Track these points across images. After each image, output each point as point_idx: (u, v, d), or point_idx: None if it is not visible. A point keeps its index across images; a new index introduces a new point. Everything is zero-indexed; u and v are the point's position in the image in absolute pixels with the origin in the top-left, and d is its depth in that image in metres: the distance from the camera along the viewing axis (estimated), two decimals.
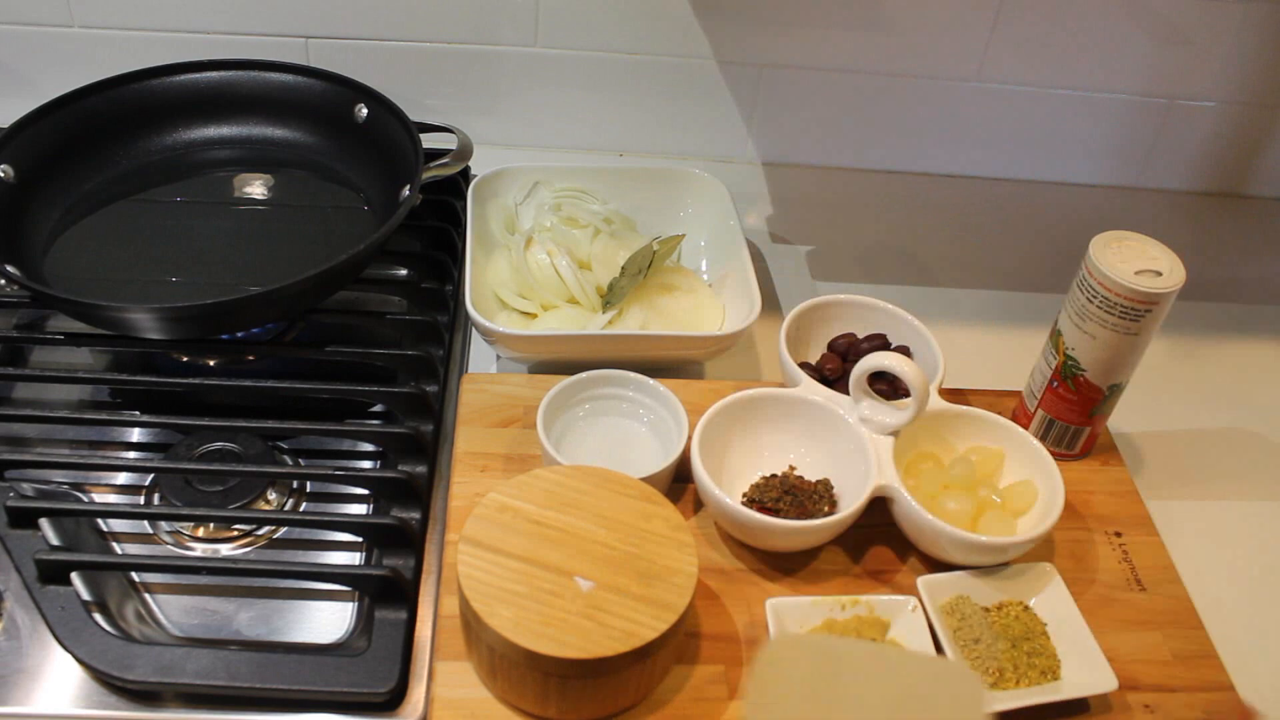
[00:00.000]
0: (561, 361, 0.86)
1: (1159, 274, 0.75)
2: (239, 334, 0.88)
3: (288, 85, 1.01)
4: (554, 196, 0.99)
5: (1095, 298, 0.77)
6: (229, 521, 0.76)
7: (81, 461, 0.80)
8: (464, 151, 0.98)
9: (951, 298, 1.05)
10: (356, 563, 0.76)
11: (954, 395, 0.88)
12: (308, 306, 0.87)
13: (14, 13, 1.05)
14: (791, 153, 1.19)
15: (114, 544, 0.76)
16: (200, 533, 0.76)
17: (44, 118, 0.92)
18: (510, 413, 0.83)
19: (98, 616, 0.68)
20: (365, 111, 0.98)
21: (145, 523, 0.77)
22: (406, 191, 0.89)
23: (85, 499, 0.78)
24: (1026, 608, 0.73)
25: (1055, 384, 0.81)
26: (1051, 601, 0.73)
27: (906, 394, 0.76)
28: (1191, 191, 1.23)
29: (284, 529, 0.77)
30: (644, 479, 0.71)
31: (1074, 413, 0.82)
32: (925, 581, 0.73)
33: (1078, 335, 0.79)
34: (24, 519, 0.73)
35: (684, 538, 0.67)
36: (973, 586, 0.73)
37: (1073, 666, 0.70)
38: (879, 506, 0.75)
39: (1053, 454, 0.77)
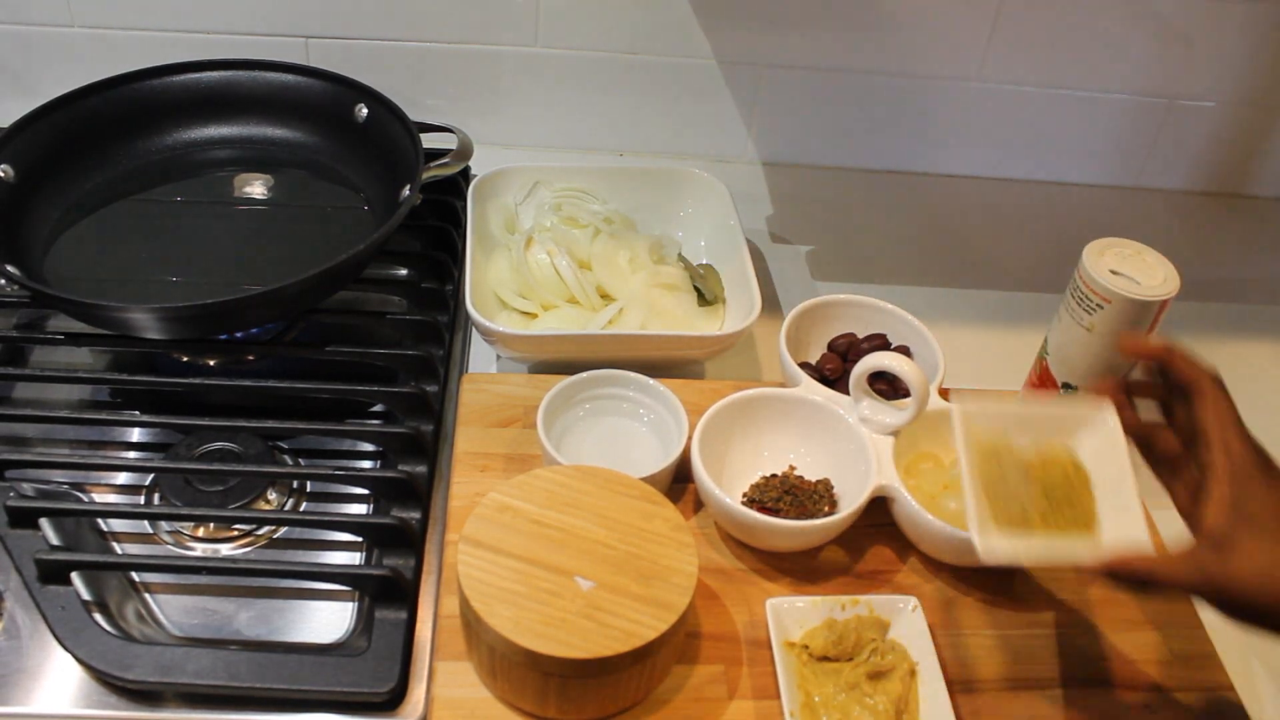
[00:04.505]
0: (561, 361, 0.86)
1: (1136, 282, 0.75)
2: (239, 334, 0.88)
3: (288, 85, 1.00)
4: (554, 196, 0.99)
5: (1070, 282, 0.79)
6: (229, 521, 0.76)
7: (81, 461, 0.80)
8: (464, 151, 0.98)
9: (951, 298, 1.05)
10: (356, 563, 0.76)
11: (954, 395, 0.88)
12: (308, 306, 0.87)
13: (14, 13, 1.05)
14: (791, 153, 1.19)
15: (114, 544, 0.76)
16: (200, 533, 0.76)
17: (44, 118, 0.92)
18: (510, 413, 0.83)
19: (98, 616, 0.68)
20: (365, 111, 0.98)
21: (145, 523, 0.77)
22: (406, 191, 0.89)
23: (85, 499, 0.78)
24: (1074, 456, 0.67)
25: (1036, 362, 0.83)
26: (1103, 452, 0.66)
27: (906, 394, 0.76)
28: (1191, 191, 1.23)
29: (284, 529, 0.77)
30: (644, 479, 0.71)
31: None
32: (967, 413, 0.67)
33: (1056, 317, 0.81)
34: (24, 519, 0.73)
35: (684, 538, 0.67)
36: (1018, 428, 0.67)
37: (1109, 527, 0.65)
38: (879, 506, 0.75)
39: None
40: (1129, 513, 0.64)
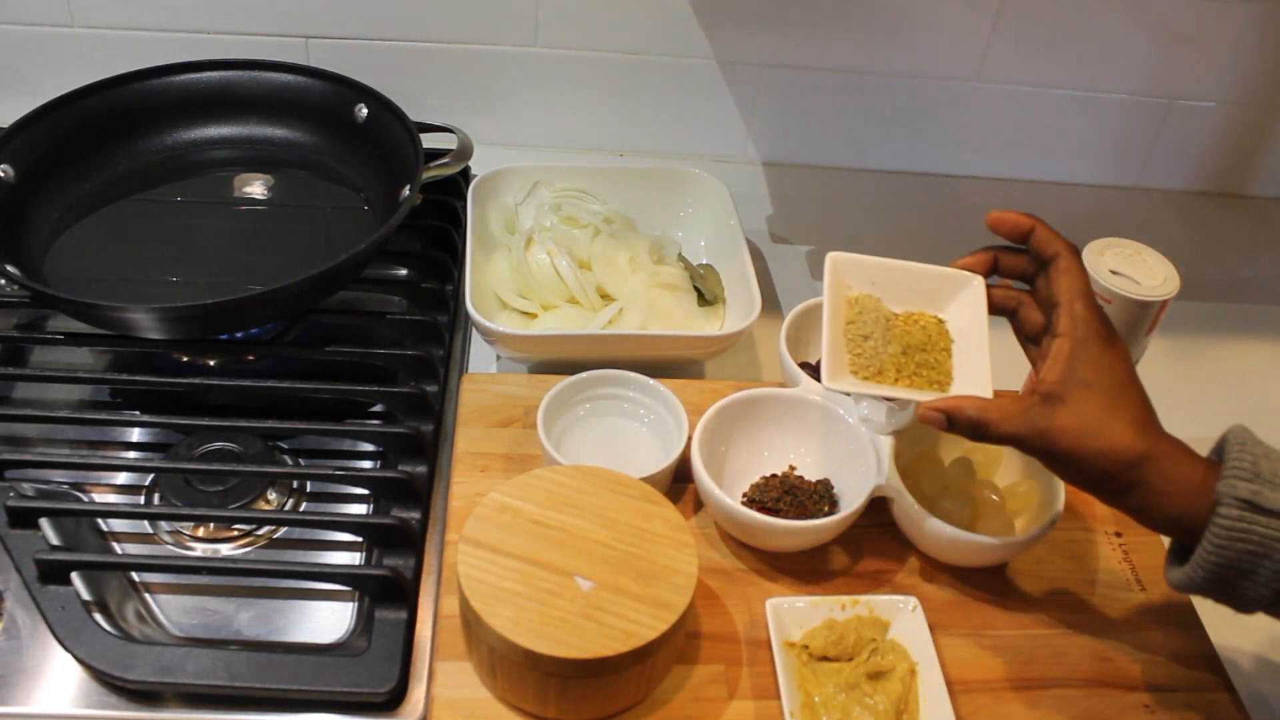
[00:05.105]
0: (561, 361, 0.86)
1: (1137, 282, 0.75)
2: (239, 334, 0.88)
3: (288, 85, 1.00)
4: (554, 196, 0.99)
5: None
6: (229, 521, 0.76)
7: (81, 461, 0.80)
8: (464, 151, 0.98)
9: None
10: (356, 563, 0.76)
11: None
12: (308, 306, 0.87)
13: (14, 13, 1.05)
14: (791, 153, 1.19)
15: (114, 544, 0.76)
16: (200, 533, 0.76)
17: (44, 118, 0.92)
18: (510, 413, 0.83)
19: (98, 616, 0.68)
20: (365, 111, 0.98)
21: (145, 523, 0.77)
22: (406, 191, 0.89)
23: (85, 499, 0.78)
24: (940, 322, 0.70)
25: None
26: (967, 319, 0.70)
27: None
28: (1191, 191, 1.23)
29: (284, 529, 0.77)
30: (644, 479, 0.71)
31: None
32: (837, 259, 0.69)
33: None
34: (24, 519, 0.73)
35: (684, 538, 0.67)
36: (889, 289, 0.70)
37: (960, 386, 0.68)
38: (879, 506, 0.75)
39: None
40: (979, 375, 0.67)
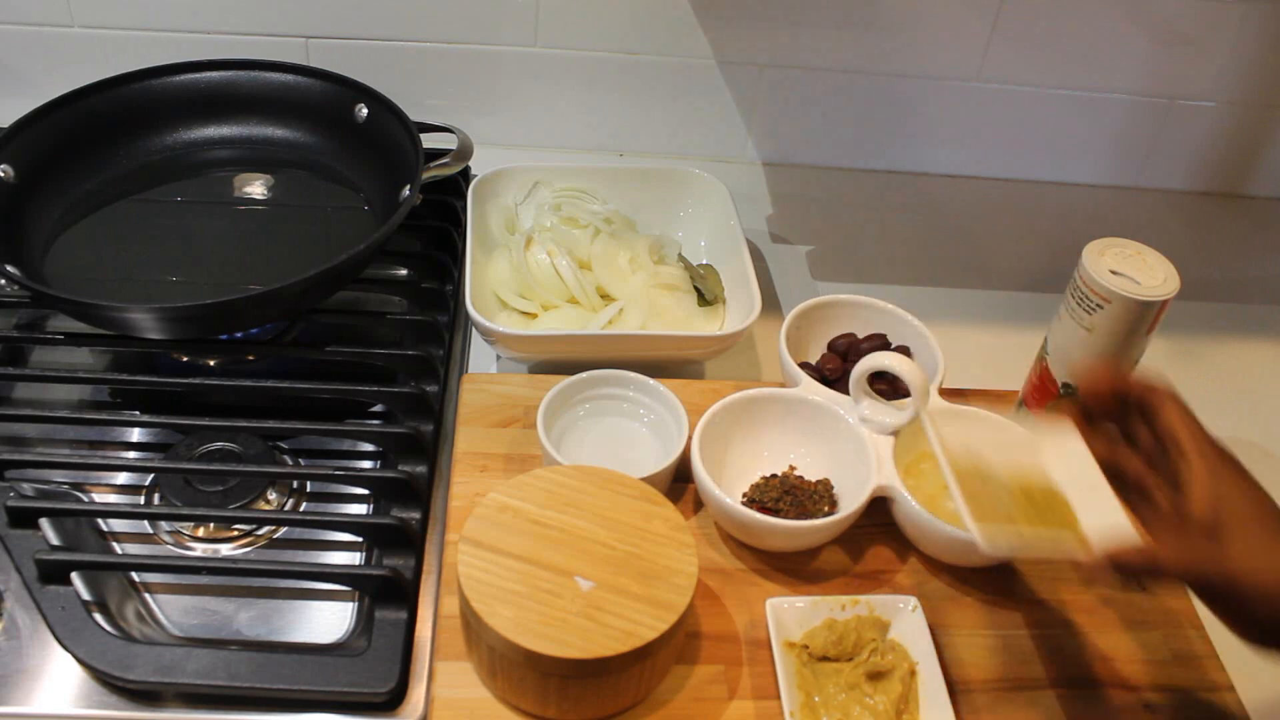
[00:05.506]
0: (561, 361, 0.86)
1: (1136, 282, 0.75)
2: (239, 334, 0.88)
3: (288, 85, 1.00)
4: (554, 196, 0.99)
5: (1070, 282, 0.78)
6: (229, 521, 0.76)
7: (81, 461, 0.80)
8: (464, 151, 0.98)
9: (951, 298, 1.05)
10: (356, 563, 0.76)
11: (954, 395, 0.88)
12: (308, 306, 0.87)
13: (14, 13, 1.05)
14: (791, 153, 1.19)
15: (114, 544, 0.76)
16: (200, 533, 0.76)
17: (44, 118, 0.92)
18: (510, 413, 0.83)
19: (98, 616, 0.68)
20: (365, 111, 0.98)
21: (145, 523, 0.77)
22: (406, 191, 0.89)
23: (85, 499, 0.78)
24: (1040, 467, 0.67)
25: (1036, 363, 0.83)
26: (1068, 459, 0.66)
27: (906, 394, 0.76)
28: (1191, 191, 1.23)
29: (284, 529, 0.77)
30: (644, 479, 0.71)
31: (1034, 399, 0.83)
32: (935, 415, 0.69)
33: (1055, 317, 0.81)
34: (24, 519, 0.73)
35: (684, 538, 0.67)
36: (983, 443, 0.68)
37: (1091, 524, 0.64)
38: (879, 506, 0.75)
39: None
40: (1112, 513, 0.63)
